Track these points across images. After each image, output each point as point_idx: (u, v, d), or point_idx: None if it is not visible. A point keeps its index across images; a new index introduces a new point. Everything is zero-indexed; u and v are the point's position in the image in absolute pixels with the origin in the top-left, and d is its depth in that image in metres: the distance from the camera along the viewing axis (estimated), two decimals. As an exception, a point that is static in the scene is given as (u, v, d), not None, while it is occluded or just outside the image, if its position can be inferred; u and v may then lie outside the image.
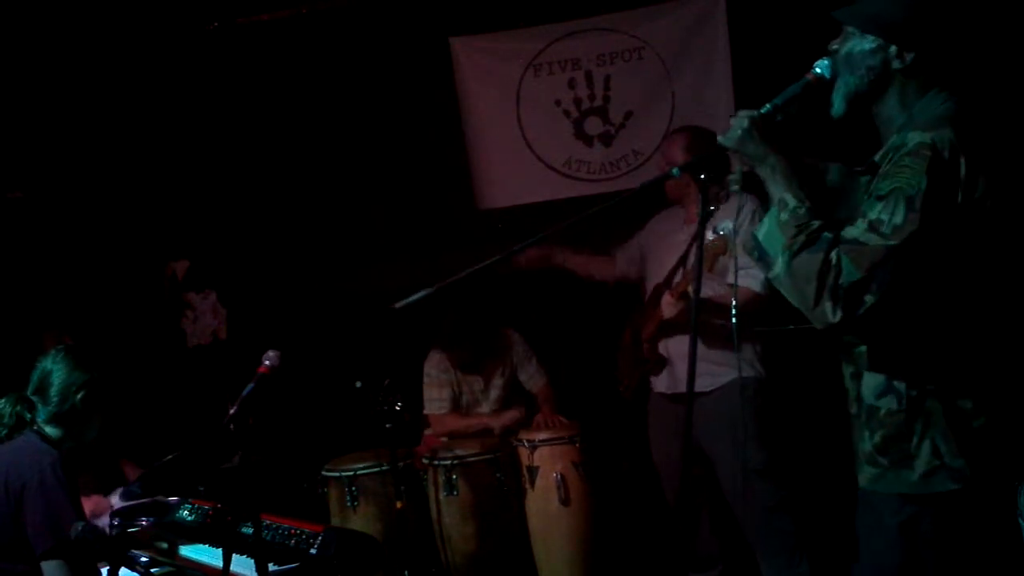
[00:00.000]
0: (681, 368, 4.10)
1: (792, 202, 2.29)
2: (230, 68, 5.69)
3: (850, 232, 2.22)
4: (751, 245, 2.37)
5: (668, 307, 4.03)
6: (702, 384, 3.84)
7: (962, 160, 2.19)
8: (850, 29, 2.37)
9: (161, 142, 5.77)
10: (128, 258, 5.86)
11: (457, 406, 4.94)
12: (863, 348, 2.37)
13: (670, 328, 4.11)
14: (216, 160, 5.81)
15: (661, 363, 4.21)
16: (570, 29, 5.54)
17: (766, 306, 3.80)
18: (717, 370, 3.94)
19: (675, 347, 4.15)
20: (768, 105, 2.39)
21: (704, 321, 3.75)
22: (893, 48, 2.32)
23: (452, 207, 5.72)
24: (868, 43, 2.34)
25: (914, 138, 2.22)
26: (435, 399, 4.93)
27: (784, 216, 2.29)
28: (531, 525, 4.49)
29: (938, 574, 2.31)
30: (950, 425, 2.27)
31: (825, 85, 2.38)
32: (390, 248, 5.76)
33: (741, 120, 2.39)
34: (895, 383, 2.30)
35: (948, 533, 2.30)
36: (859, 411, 2.40)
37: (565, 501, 4.39)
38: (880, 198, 2.21)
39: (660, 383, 4.24)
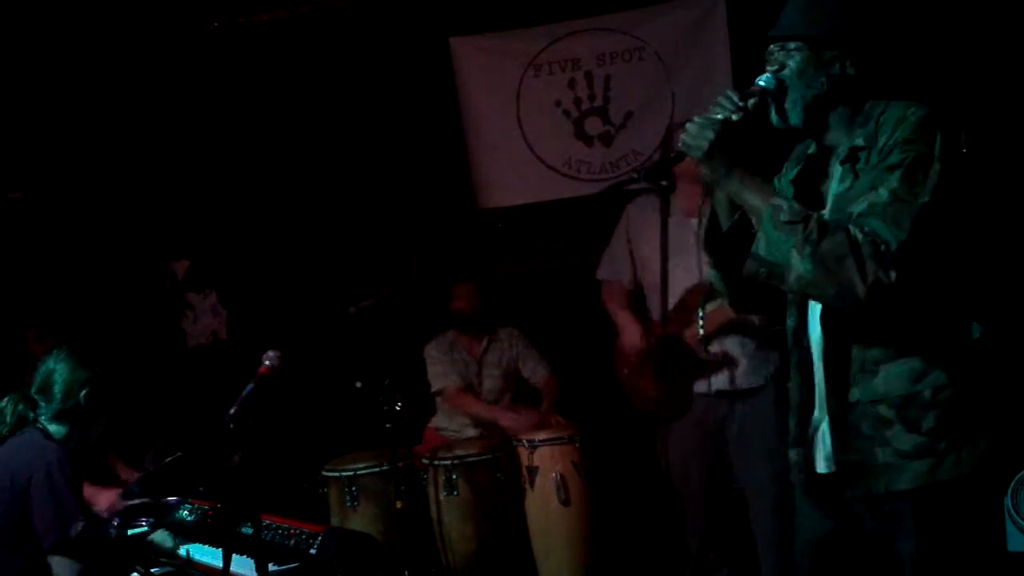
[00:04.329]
0: (738, 365, 4.02)
1: (783, 202, 2.25)
2: (230, 68, 5.68)
3: (862, 206, 2.21)
4: (754, 267, 2.27)
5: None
6: (750, 380, 3.96)
7: (952, 129, 2.24)
8: (793, 46, 2.37)
9: (161, 142, 5.77)
10: (128, 258, 5.86)
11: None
12: (858, 348, 2.31)
13: (723, 330, 4.03)
14: (216, 160, 5.81)
15: (719, 363, 4.04)
16: (570, 29, 5.54)
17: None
18: (762, 368, 3.97)
19: (731, 346, 4.03)
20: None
21: (747, 320, 3.84)
22: (848, 60, 2.34)
23: (452, 207, 5.72)
24: (826, 55, 2.34)
25: (912, 110, 2.26)
26: (442, 373, 4.95)
27: (783, 216, 2.22)
28: (531, 525, 4.48)
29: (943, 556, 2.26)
30: (980, 397, 2.26)
31: (769, 95, 2.36)
32: (390, 248, 5.76)
33: (705, 130, 2.28)
34: (938, 359, 2.24)
35: (973, 512, 2.29)
36: (864, 415, 2.29)
37: (565, 501, 4.39)
38: (893, 168, 2.20)
39: (717, 382, 4.05)
